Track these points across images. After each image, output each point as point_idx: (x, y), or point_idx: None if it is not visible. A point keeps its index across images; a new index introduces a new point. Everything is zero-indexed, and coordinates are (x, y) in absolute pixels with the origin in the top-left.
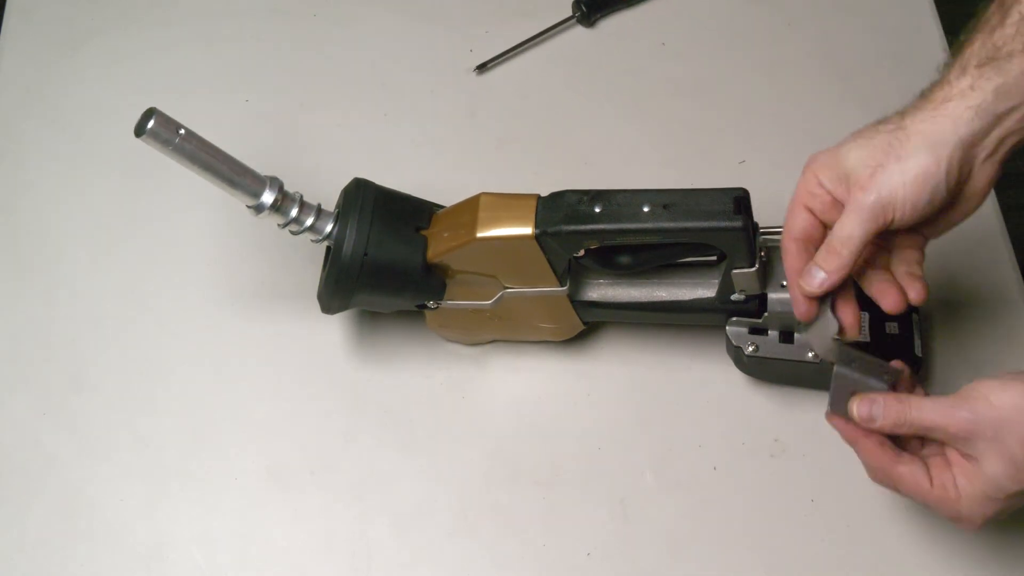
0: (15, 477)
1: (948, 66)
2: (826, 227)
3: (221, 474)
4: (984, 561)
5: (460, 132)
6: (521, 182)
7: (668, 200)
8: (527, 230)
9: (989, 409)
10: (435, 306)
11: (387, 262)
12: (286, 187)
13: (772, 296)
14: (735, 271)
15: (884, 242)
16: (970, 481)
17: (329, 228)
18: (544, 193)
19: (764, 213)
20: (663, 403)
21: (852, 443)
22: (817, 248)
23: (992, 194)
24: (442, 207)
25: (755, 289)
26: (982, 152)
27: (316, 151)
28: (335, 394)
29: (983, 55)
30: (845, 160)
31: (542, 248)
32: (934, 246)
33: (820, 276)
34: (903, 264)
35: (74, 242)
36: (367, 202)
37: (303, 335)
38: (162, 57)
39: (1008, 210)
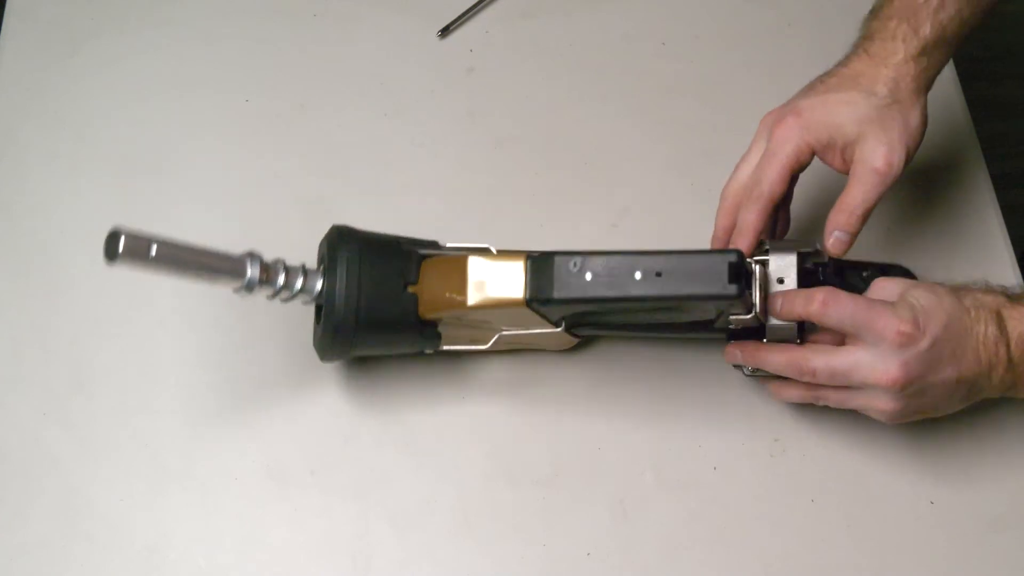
0: (15, 477)
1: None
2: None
3: (221, 474)
4: (984, 561)
5: (460, 132)
6: (521, 182)
7: (661, 267)
8: (518, 296)
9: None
10: (432, 352)
11: (380, 323)
12: (265, 252)
13: (772, 323)
14: (732, 316)
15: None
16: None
17: (319, 286)
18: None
19: None
20: (663, 403)
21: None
22: None
23: (992, 194)
24: (429, 247)
25: (754, 324)
26: None
27: (316, 151)
28: (335, 394)
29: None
30: (844, 132)
31: (534, 310)
32: (935, 245)
33: (844, 238)
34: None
35: (74, 242)
36: (353, 260)
37: (303, 332)
38: (162, 57)
39: (1008, 210)
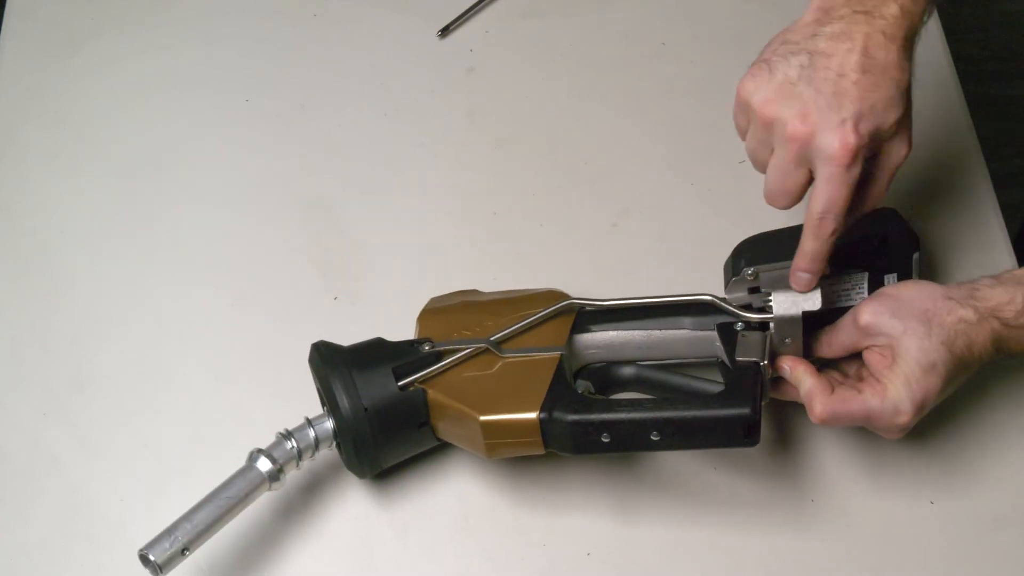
0: (15, 477)
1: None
2: None
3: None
4: (984, 561)
5: (460, 132)
6: (521, 182)
7: (676, 429)
8: (539, 451)
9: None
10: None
11: (394, 427)
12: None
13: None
14: None
15: None
16: (890, 367)
17: (330, 426)
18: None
19: (765, 217)
20: None
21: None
22: None
23: (992, 194)
24: (412, 353)
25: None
26: None
27: (316, 151)
28: None
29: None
30: (885, 135)
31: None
32: (935, 244)
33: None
34: None
35: (74, 241)
36: (347, 381)
37: (303, 332)
38: (162, 57)
39: (1008, 210)
